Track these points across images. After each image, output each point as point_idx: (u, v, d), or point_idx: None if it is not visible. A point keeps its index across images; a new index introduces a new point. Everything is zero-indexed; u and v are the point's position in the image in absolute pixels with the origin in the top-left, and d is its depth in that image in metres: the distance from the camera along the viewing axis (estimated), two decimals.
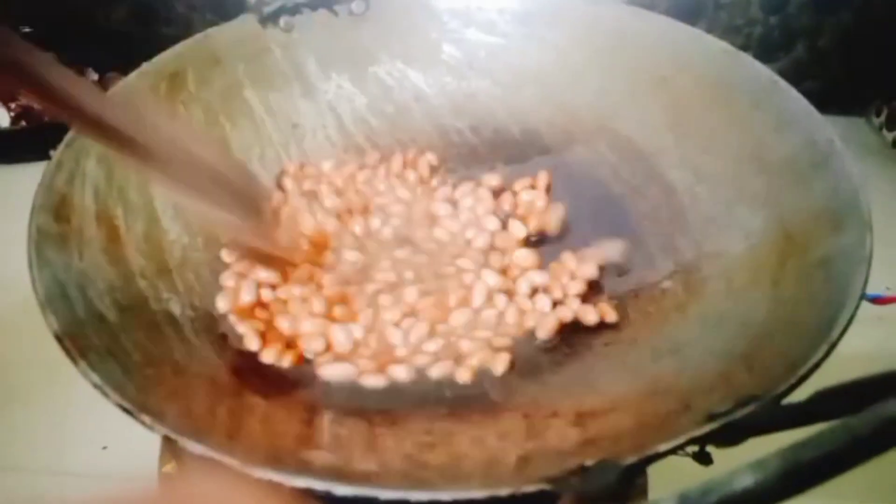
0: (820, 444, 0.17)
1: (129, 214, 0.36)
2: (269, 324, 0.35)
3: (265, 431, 0.27)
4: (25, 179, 0.34)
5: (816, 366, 0.25)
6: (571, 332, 0.35)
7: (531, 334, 0.35)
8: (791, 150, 0.36)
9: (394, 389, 0.32)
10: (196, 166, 0.31)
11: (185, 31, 0.44)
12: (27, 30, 0.68)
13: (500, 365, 0.33)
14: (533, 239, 0.39)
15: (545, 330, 0.34)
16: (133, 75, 0.40)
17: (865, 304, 0.27)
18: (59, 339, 0.27)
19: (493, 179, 0.42)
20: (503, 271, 0.37)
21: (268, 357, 0.33)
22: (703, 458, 0.29)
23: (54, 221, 0.33)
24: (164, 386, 0.28)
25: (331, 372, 0.33)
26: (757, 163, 0.37)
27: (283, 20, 0.45)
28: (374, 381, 0.32)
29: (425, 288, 0.36)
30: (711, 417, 0.23)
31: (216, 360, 0.32)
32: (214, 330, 0.34)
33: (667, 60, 0.42)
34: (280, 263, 0.37)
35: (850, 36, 0.65)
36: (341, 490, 0.22)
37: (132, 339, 0.30)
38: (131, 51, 0.45)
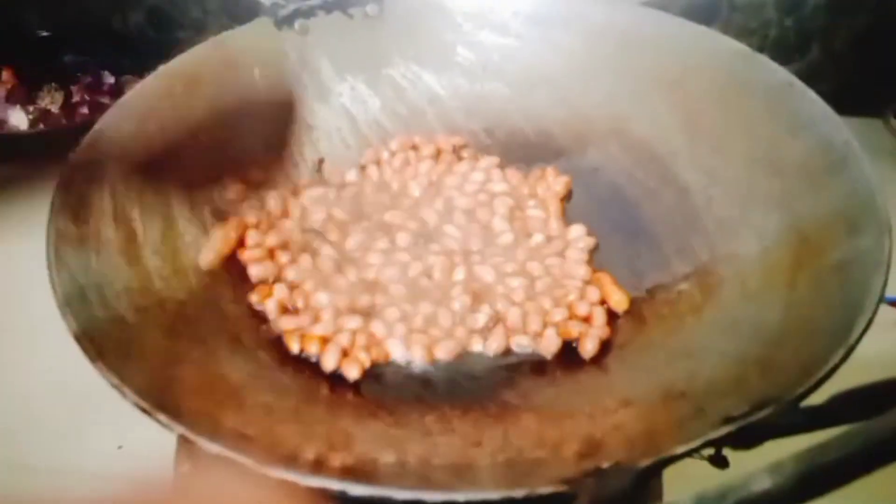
0: (838, 447, 0.17)
1: (146, 216, 0.36)
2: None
3: (281, 431, 0.27)
4: (43, 181, 0.35)
5: (834, 369, 0.25)
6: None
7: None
8: (807, 151, 0.35)
9: (411, 390, 0.33)
10: None
11: (200, 36, 0.44)
12: (45, 34, 0.69)
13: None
14: None
15: None
16: (149, 77, 0.41)
17: (884, 308, 0.27)
18: (77, 339, 0.27)
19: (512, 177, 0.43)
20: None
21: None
22: (720, 462, 0.29)
23: (72, 223, 0.33)
24: (180, 386, 0.29)
25: (351, 371, 0.33)
26: (772, 164, 0.37)
27: (298, 23, 0.45)
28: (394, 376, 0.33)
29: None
30: (727, 420, 0.23)
31: (232, 361, 0.32)
32: (229, 330, 0.34)
33: (680, 61, 0.42)
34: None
35: (866, 37, 0.65)
36: (356, 490, 0.22)
37: (149, 339, 0.30)
38: (147, 55, 0.46)
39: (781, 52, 0.65)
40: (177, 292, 0.34)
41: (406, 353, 0.34)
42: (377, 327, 0.35)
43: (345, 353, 0.34)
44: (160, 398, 0.26)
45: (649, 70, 0.43)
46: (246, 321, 0.35)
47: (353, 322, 0.35)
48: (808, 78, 0.37)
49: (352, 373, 0.33)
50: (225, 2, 0.66)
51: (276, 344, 0.34)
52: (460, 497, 0.22)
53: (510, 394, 0.32)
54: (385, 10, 0.46)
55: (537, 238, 0.39)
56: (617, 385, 0.32)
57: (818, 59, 0.66)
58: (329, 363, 0.33)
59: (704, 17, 0.61)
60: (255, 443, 0.25)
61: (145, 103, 0.40)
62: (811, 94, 0.37)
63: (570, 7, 0.46)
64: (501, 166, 0.43)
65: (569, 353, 0.34)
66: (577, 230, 0.39)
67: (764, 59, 0.40)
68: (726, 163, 0.39)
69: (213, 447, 0.23)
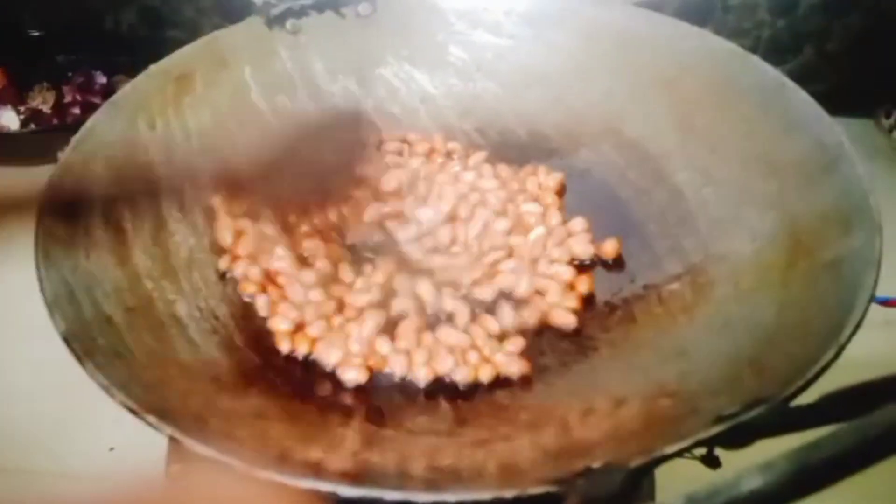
0: (828, 446, 0.17)
1: (136, 216, 0.36)
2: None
3: (271, 432, 0.27)
4: (34, 181, 0.34)
5: (825, 368, 0.25)
6: (578, 334, 0.35)
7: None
8: (799, 152, 0.35)
9: (400, 390, 0.32)
10: None
11: (193, 35, 0.44)
12: (37, 33, 0.69)
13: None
14: None
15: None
16: (141, 77, 0.41)
17: (874, 307, 0.27)
18: (65, 340, 0.27)
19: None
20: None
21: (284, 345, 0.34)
22: (711, 461, 0.29)
23: (62, 223, 0.33)
24: (169, 387, 0.28)
25: (343, 373, 0.33)
26: (765, 165, 0.37)
27: (289, 22, 0.45)
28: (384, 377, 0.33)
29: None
30: (719, 419, 0.23)
31: (222, 361, 0.32)
32: (220, 331, 0.34)
33: (674, 62, 0.42)
34: None
35: (859, 38, 0.65)
36: (346, 491, 0.22)
37: (138, 339, 0.30)
38: (139, 54, 0.46)
39: (774, 52, 0.65)
40: (166, 292, 0.34)
41: (407, 372, 0.33)
42: (381, 344, 0.34)
43: (346, 358, 0.33)
44: (149, 399, 0.26)
45: (643, 70, 0.43)
46: (237, 321, 0.35)
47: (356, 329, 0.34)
48: (801, 79, 0.38)
49: (354, 376, 0.33)
50: (217, 1, 0.66)
51: (268, 344, 0.34)
52: (450, 497, 0.22)
53: (501, 393, 0.32)
54: (377, 10, 0.46)
55: (538, 231, 0.39)
56: (608, 384, 0.31)
57: (811, 60, 0.66)
58: (330, 363, 0.33)
59: (698, 17, 0.61)
60: (244, 444, 0.25)
61: (136, 103, 0.39)
62: (804, 95, 0.37)
63: (564, 7, 0.46)
64: (491, 161, 0.43)
65: (560, 352, 0.34)
66: (579, 223, 0.39)
67: (757, 60, 0.40)
68: (719, 163, 0.39)
69: (203, 449, 0.23)
